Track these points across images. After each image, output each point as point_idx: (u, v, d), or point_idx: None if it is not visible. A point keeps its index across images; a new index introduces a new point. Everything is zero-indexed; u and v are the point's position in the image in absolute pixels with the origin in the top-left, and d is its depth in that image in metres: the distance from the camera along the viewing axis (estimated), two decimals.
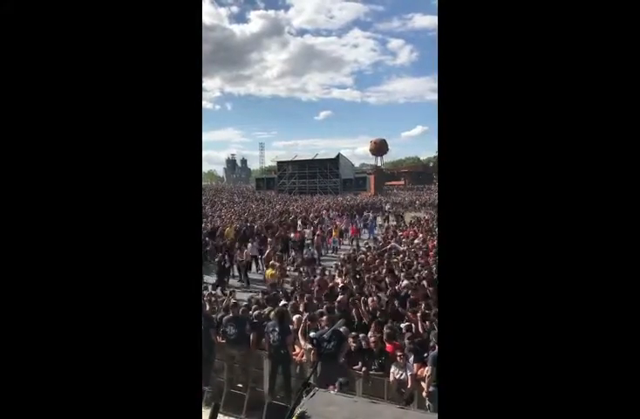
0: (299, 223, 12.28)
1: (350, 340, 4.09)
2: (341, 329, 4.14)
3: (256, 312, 4.75)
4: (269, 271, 7.34)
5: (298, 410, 1.92)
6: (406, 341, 3.91)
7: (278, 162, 38.55)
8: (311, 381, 2.86)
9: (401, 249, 8.50)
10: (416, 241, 9.53)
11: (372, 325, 4.36)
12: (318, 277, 6.57)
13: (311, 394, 2.15)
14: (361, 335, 4.15)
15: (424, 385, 3.56)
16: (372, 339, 4.02)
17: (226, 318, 4.61)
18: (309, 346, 4.14)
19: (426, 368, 3.57)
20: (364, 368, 3.87)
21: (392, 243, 8.97)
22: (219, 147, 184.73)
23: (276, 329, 4.23)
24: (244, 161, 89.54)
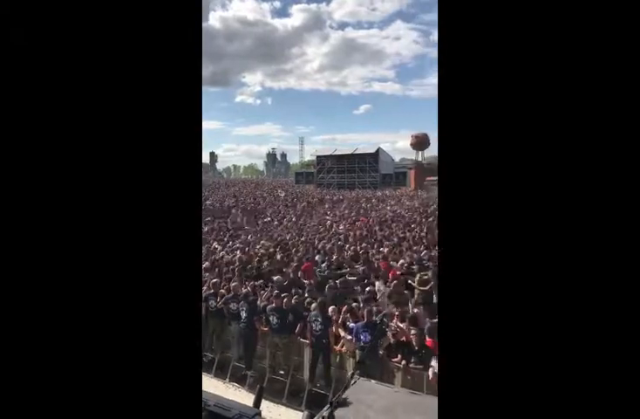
0: None
1: (390, 333, 4.13)
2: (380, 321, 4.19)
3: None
4: None
5: (341, 396, 2.00)
6: None
7: (317, 156, 38.46)
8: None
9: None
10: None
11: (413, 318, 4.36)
12: None
13: (353, 382, 2.23)
14: (399, 328, 4.17)
15: None
16: (413, 332, 4.04)
17: (269, 307, 4.79)
18: (349, 336, 4.23)
19: None
20: (403, 362, 3.90)
21: None
22: (259, 141, 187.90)
23: (319, 319, 4.36)
24: (284, 155, 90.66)
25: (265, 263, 7.07)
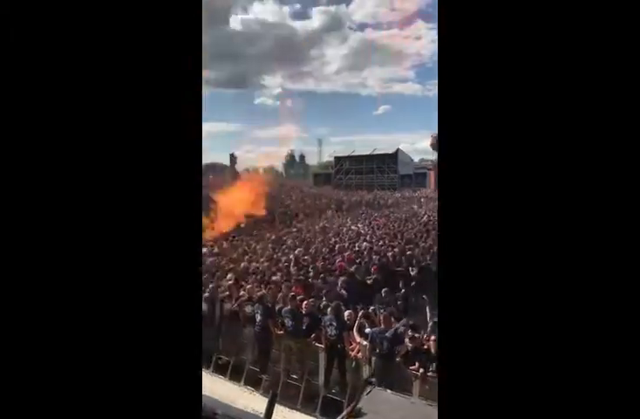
0: None
1: (407, 340, 4.01)
2: (400, 329, 4.06)
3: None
4: None
5: (355, 407, 1.93)
6: None
7: (335, 157, 38.39)
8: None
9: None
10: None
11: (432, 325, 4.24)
12: None
13: (368, 391, 2.15)
14: (417, 335, 4.05)
15: None
16: (433, 338, 3.90)
17: (284, 309, 4.72)
18: (365, 342, 4.12)
19: None
20: (421, 370, 3.77)
21: None
22: (278, 142, 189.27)
23: (333, 323, 4.27)
24: (302, 157, 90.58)
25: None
